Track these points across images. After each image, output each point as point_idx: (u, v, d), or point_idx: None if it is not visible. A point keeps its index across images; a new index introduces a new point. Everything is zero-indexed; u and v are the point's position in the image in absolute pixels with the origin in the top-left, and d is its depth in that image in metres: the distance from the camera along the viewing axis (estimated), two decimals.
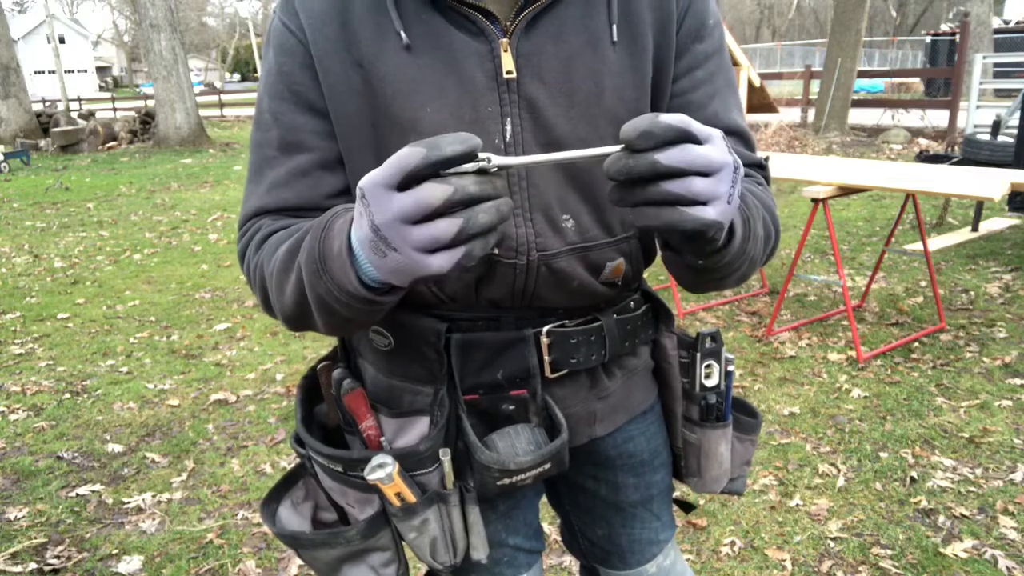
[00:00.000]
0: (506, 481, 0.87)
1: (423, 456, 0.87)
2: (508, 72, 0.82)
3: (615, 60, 0.85)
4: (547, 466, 0.88)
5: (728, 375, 1.02)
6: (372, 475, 0.84)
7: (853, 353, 3.38)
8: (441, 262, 0.61)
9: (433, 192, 0.59)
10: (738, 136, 0.92)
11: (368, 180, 0.62)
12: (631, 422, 1.02)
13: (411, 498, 0.87)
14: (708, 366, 1.00)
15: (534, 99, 0.83)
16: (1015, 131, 5.65)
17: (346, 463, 0.89)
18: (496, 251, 0.83)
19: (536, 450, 0.88)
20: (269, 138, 0.86)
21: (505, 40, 0.82)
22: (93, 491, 2.55)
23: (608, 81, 0.84)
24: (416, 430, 0.90)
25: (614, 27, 0.84)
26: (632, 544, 1.09)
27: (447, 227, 0.59)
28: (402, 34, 0.80)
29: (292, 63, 0.85)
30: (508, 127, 0.82)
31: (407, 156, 0.59)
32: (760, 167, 0.95)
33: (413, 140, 0.79)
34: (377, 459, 0.85)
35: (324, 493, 0.98)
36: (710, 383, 1.01)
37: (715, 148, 0.63)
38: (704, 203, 0.63)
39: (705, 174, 0.62)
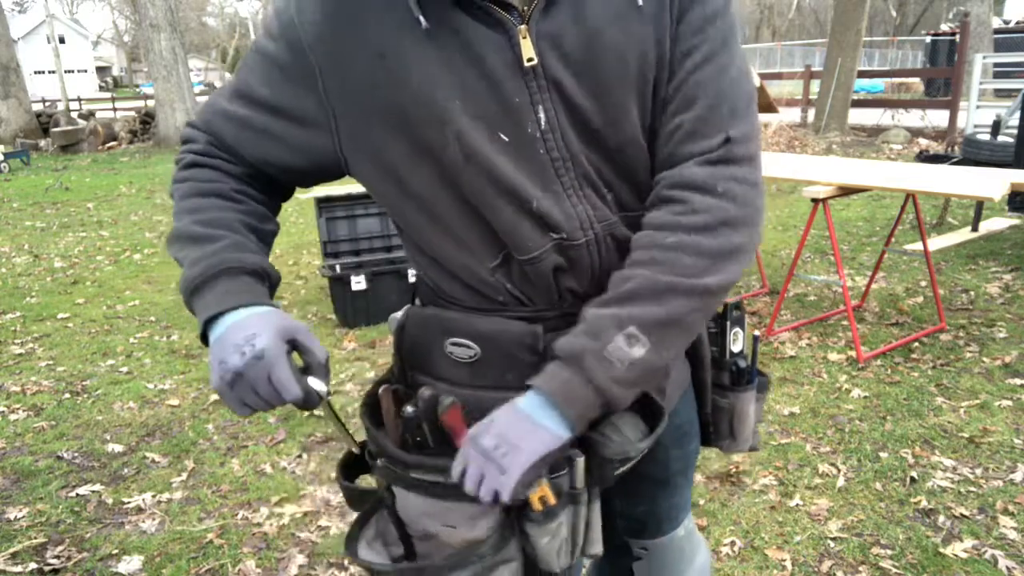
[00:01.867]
0: (622, 470, 0.89)
1: (558, 459, 0.86)
2: (529, 60, 0.81)
3: (642, 32, 0.83)
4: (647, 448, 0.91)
5: (755, 339, 1.09)
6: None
7: (853, 353, 3.38)
8: (232, 396, 0.82)
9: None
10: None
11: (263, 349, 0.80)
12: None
13: (552, 500, 0.86)
14: (735, 333, 1.07)
15: (561, 83, 0.82)
16: (1015, 131, 5.65)
17: None
18: (564, 236, 0.85)
19: (645, 435, 0.90)
20: (251, 84, 0.90)
21: (523, 27, 0.81)
22: (93, 491, 2.55)
23: (633, 56, 0.83)
24: None
25: None
26: (669, 512, 1.13)
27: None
28: (421, 19, 0.80)
29: (290, 55, 0.86)
30: (541, 114, 0.83)
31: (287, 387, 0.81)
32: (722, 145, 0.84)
33: (449, 134, 0.82)
34: None
35: (396, 526, 0.94)
36: (736, 348, 1.07)
37: (471, 467, 0.82)
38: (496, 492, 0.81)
39: (480, 482, 0.82)
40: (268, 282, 0.88)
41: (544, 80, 0.82)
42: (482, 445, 0.82)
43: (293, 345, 0.83)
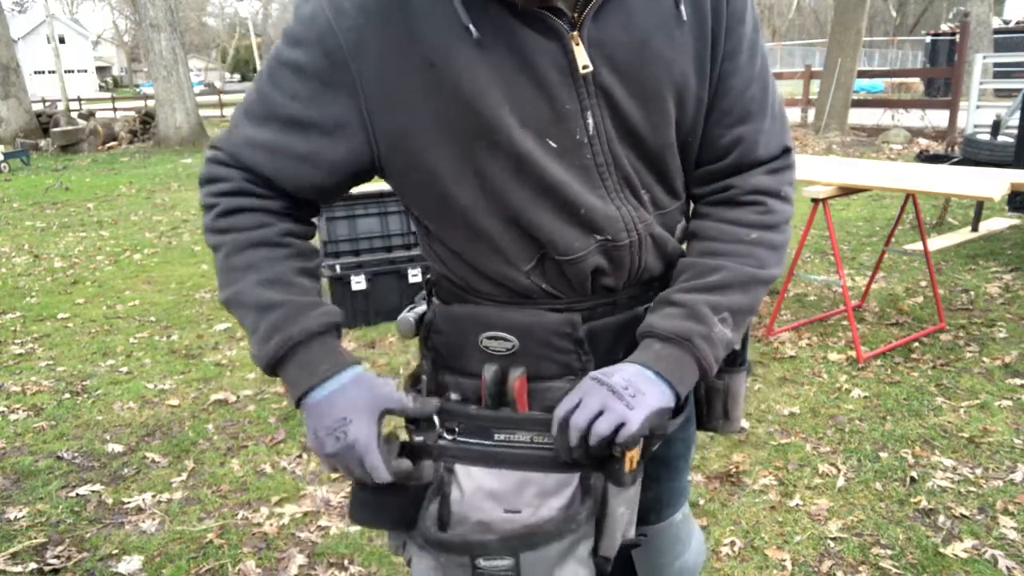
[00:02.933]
0: (656, 447, 0.92)
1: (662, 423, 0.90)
2: (584, 67, 0.82)
3: (683, 43, 0.86)
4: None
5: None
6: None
7: (853, 353, 3.38)
8: (328, 467, 0.88)
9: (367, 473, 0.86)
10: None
11: (361, 419, 0.85)
12: None
13: (636, 462, 0.89)
14: None
15: (610, 89, 0.84)
16: (1015, 131, 5.65)
17: None
18: (608, 237, 0.88)
19: (674, 416, 0.92)
20: (279, 104, 0.86)
21: (575, 33, 0.81)
22: (93, 491, 2.55)
23: (676, 66, 0.86)
24: None
25: (682, 7, 0.85)
26: (670, 496, 1.16)
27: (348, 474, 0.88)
28: (471, 28, 0.79)
29: (326, 64, 0.83)
30: (590, 120, 0.84)
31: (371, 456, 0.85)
32: (779, 157, 0.95)
33: (500, 141, 0.83)
34: None
35: (441, 517, 0.91)
36: None
37: (589, 399, 0.84)
38: (621, 425, 0.82)
39: (598, 415, 0.83)
40: (338, 331, 0.90)
41: (594, 86, 0.83)
42: (611, 382, 0.85)
43: (388, 413, 0.88)
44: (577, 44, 0.81)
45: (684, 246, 0.99)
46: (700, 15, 0.87)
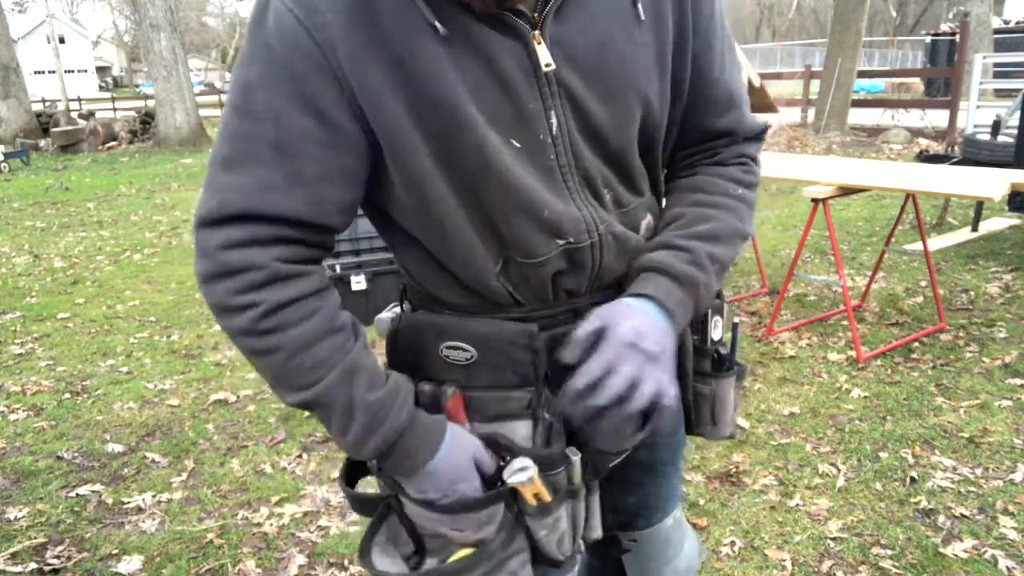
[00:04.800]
0: (616, 461, 0.92)
1: (555, 457, 0.89)
2: (547, 65, 0.82)
3: (643, 41, 0.87)
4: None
5: (735, 326, 1.14)
6: (514, 478, 0.85)
7: (853, 353, 3.38)
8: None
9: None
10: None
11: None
12: None
13: (547, 497, 0.87)
14: (715, 321, 1.10)
15: (572, 88, 0.84)
16: (1015, 131, 5.65)
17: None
18: (571, 240, 0.87)
19: (639, 427, 0.92)
20: (262, 132, 0.78)
21: (536, 32, 0.81)
22: (93, 491, 2.55)
23: (639, 63, 0.87)
24: (516, 434, 0.91)
25: (640, 6, 0.86)
26: (658, 501, 1.15)
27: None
28: (437, 25, 0.78)
29: (306, 65, 0.77)
30: (553, 120, 0.84)
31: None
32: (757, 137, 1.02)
33: (469, 140, 0.81)
34: (518, 463, 0.86)
35: (407, 527, 0.93)
36: (716, 336, 1.10)
37: (624, 366, 0.81)
38: (660, 395, 0.83)
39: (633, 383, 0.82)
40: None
41: (556, 86, 0.83)
42: (646, 348, 0.83)
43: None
44: (539, 43, 0.81)
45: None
46: (659, 14, 0.88)
